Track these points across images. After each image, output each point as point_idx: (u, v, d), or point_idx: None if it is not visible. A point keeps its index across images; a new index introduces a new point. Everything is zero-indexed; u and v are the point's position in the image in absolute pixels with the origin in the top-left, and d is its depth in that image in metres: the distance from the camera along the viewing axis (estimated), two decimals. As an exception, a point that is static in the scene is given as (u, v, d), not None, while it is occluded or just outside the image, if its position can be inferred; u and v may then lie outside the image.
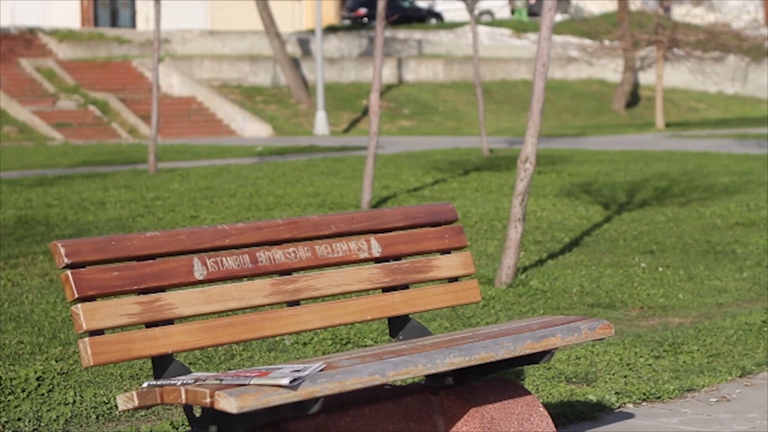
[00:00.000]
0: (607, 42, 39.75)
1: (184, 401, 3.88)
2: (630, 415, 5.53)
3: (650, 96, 41.90)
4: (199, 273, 4.30)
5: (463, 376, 4.72)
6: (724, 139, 26.83)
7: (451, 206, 5.13)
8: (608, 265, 9.83)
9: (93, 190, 15.51)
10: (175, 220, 12.69)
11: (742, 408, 5.63)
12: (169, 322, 4.20)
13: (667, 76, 40.34)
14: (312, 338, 6.94)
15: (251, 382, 3.86)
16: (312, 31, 43.04)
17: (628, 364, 6.45)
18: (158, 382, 4.02)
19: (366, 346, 6.83)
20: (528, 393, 4.82)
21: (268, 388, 3.83)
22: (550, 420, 4.79)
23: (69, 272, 4.04)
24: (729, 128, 32.25)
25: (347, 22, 51.40)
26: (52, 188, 15.97)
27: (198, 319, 4.33)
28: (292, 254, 4.56)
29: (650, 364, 6.46)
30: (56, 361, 6.44)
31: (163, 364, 4.17)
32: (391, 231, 4.86)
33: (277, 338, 6.87)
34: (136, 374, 6.21)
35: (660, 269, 9.62)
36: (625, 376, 6.18)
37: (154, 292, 4.18)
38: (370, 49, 41.80)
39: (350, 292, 4.72)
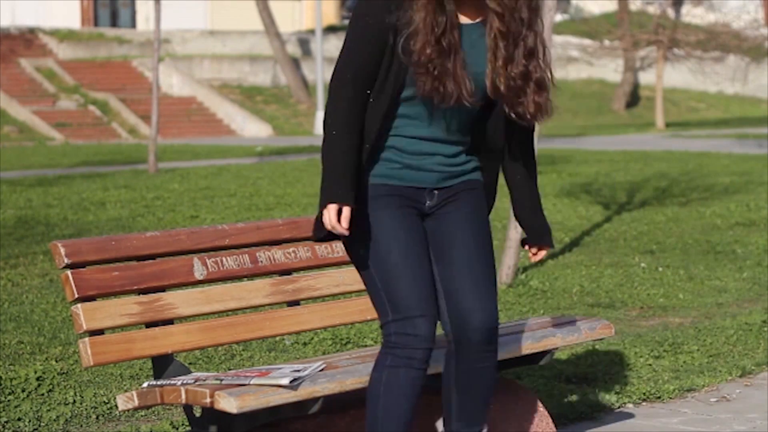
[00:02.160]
0: (607, 42, 39.76)
1: (184, 401, 3.88)
2: (630, 415, 5.53)
3: (650, 96, 41.88)
4: (199, 273, 4.30)
5: (463, 376, 4.71)
6: (724, 139, 26.83)
7: (451, 206, 5.12)
8: (608, 265, 9.83)
9: (93, 190, 15.51)
10: (175, 220, 12.69)
11: (742, 408, 5.63)
12: (169, 322, 4.21)
13: (667, 76, 40.34)
14: (312, 338, 6.94)
15: (251, 382, 3.86)
16: (312, 31, 43.04)
17: (628, 364, 6.44)
18: (158, 382, 4.02)
19: (366, 346, 6.83)
20: (528, 393, 4.82)
21: (268, 388, 3.83)
22: (550, 420, 4.79)
23: (69, 272, 4.04)
24: (729, 128, 32.24)
25: (347, 21, 51.39)
26: (52, 188, 15.96)
27: (198, 319, 4.33)
28: (292, 254, 4.56)
29: (650, 364, 6.46)
30: (56, 361, 6.44)
31: (163, 364, 4.18)
32: (391, 231, 4.86)
33: (277, 338, 6.87)
34: (136, 374, 6.21)
35: (660, 269, 9.62)
36: (625, 376, 6.18)
37: (154, 292, 4.19)
38: (370, 49, 41.69)
39: (350, 292, 4.72)
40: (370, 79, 3.87)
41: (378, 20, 3.85)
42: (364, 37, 3.88)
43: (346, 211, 3.78)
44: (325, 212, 3.79)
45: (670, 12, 37.30)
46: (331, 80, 3.93)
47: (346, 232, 3.79)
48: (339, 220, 3.78)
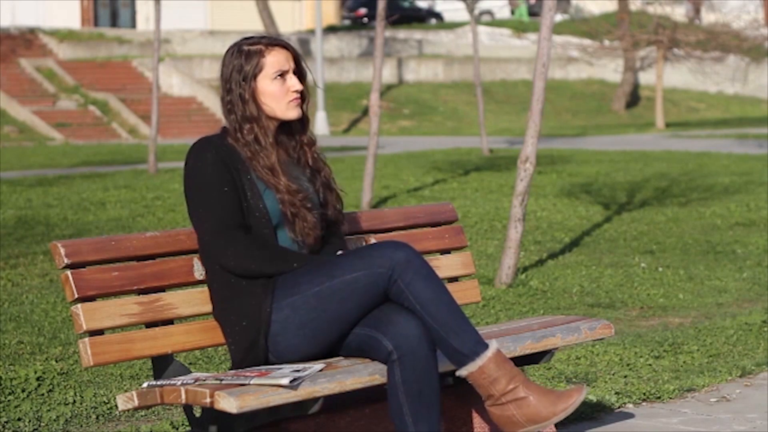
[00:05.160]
0: (607, 42, 39.76)
1: (184, 401, 3.88)
2: (630, 415, 5.53)
3: (650, 96, 41.90)
4: (198, 273, 4.30)
5: (463, 376, 4.72)
6: (724, 139, 26.83)
7: (451, 206, 5.12)
8: (608, 265, 9.83)
9: (93, 190, 15.51)
10: (175, 220, 12.69)
11: (742, 408, 5.63)
12: (169, 322, 4.21)
13: (667, 76, 40.36)
14: (312, 338, 6.93)
15: (251, 382, 3.86)
16: (312, 31, 43.04)
17: (628, 364, 6.45)
18: (158, 382, 4.02)
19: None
20: (528, 393, 4.81)
21: (268, 388, 3.83)
22: (550, 420, 4.78)
23: (69, 272, 4.03)
24: (729, 128, 32.24)
25: (347, 22, 51.41)
26: (52, 188, 15.96)
27: (198, 319, 4.33)
28: (292, 254, 4.54)
29: (650, 364, 6.46)
30: (56, 361, 6.44)
31: (163, 364, 4.17)
32: (391, 231, 4.86)
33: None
34: (136, 374, 6.21)
35: (660, 269, 9.62)
36: (625, 376, 6.18)
37: (154, 292, 4.19)
38: (370, 49, 41.79)
39: (350, 292, 4.71)
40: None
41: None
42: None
43: None
44: None
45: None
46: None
47: None
48: None
